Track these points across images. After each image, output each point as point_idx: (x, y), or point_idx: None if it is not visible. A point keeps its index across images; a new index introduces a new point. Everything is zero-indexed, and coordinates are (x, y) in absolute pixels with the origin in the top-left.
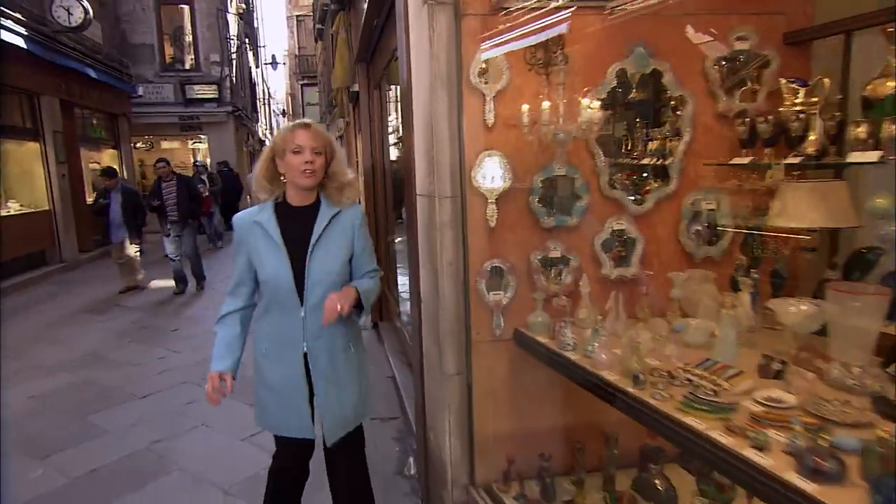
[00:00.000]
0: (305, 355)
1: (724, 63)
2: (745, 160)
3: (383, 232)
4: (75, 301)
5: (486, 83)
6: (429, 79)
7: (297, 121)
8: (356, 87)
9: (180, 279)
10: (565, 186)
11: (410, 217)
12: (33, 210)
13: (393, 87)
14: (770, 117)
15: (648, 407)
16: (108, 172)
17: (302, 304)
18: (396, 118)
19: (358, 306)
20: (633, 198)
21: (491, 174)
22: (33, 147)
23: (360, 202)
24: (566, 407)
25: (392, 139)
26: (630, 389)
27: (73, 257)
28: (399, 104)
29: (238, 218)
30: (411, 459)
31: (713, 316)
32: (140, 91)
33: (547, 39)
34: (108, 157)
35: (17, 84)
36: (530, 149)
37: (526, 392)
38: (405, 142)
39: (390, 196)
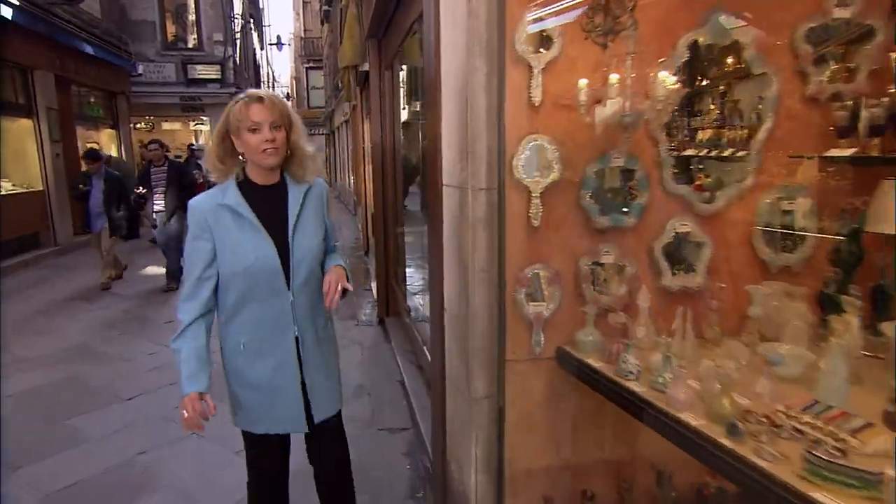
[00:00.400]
0: (297, 339)
1: (819, 35)
2: (847, 152)
3: (392, 222)
4: (67, 287)
5: (534, 52)
6: (464, 41)
7: (250, 92)
8: (366, 67)
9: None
10: (623, 179)
11: (434, 211)
12: (26, 190)
13: (405, 66)
14: (884, 100)
15: (756, 469)
16: (91, 155)
17: (289, 287)
18: (410, 100)
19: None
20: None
21: (536, 163)
22: (26, 124)
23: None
24: (613, 438)
25: (404, 119)
26: (725, 442)
27: (68, 241)
28: (420, 77)
29: (198, 203)
30: (424, 482)
31: (803, 341)
32: (140, 69)
33: (608, 1)
34: (106, 137)
35: (10, 57)
36: (585, 133)
37: (567, 420)
38: (428, 121)
39: (400, 184)
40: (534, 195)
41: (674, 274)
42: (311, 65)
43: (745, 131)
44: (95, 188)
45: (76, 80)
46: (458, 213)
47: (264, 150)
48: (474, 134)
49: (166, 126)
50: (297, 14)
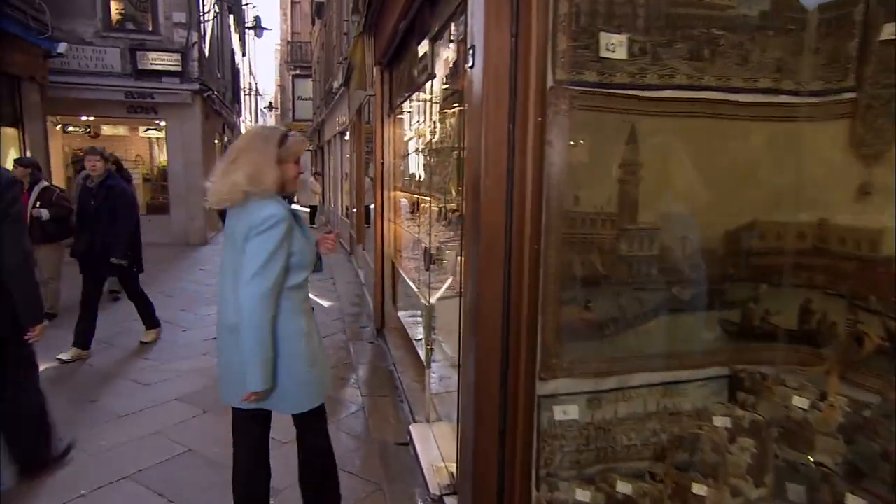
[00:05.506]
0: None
1: None
2: None
3: (527, 347)
4: None
5: None
6: None
7: (297, 130)
8: None
9: None
10: None
11: None
12: None
13: None
14: None
15: None
16: None
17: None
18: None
19: None
20: None
21: None
22: None
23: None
24: None
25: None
26: None
27: None
28: None
29: (281, 210)
30: None
31: None
32: (61, 49)
33: None
34: (7, 140)
35: None
36: None
37: None
38: None
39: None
40: None
41: None
42: (297, 72)
43: None
44: None
45: None
46: None
47: (297, 178)
48: None
49: (107, 130)
50: (285, 14)
